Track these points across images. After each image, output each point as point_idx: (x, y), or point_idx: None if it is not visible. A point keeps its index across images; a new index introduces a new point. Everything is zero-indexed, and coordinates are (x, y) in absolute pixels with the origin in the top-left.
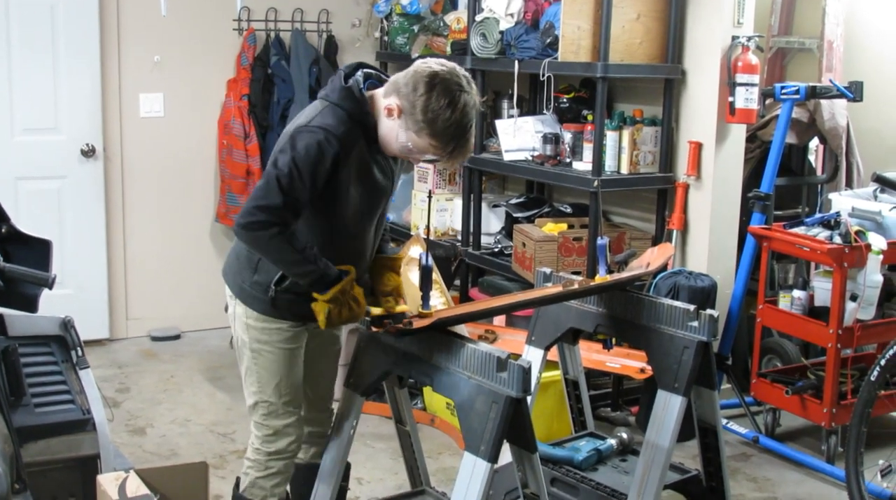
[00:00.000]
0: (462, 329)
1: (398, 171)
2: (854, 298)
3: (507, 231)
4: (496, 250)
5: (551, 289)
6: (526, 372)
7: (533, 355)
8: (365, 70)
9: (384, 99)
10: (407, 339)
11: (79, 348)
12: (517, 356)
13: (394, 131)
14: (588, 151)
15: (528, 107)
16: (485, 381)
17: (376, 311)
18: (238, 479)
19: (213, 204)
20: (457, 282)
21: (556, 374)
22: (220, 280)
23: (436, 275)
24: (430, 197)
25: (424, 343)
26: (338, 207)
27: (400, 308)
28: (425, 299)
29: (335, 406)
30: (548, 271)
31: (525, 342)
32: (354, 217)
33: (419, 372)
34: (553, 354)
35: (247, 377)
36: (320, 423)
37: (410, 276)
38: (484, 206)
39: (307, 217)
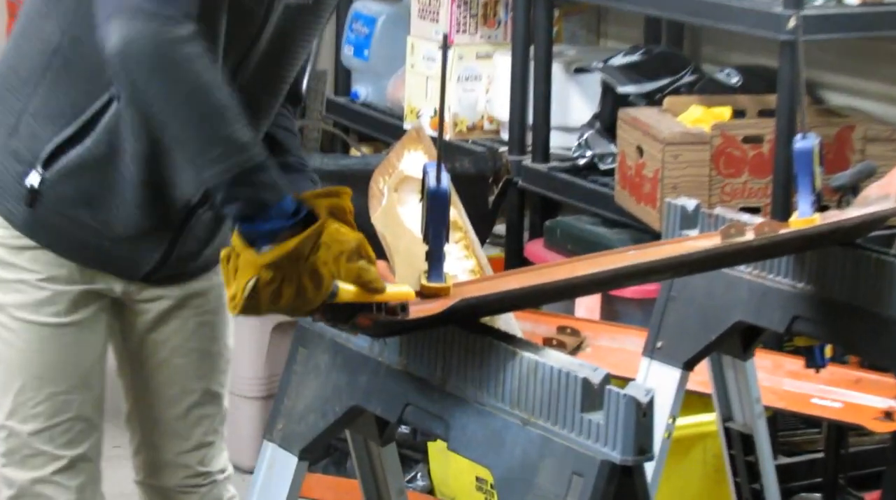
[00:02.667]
0: (510, 323)
1: None
2: None
3: (606, 123)
4: (581, 162)
5: (698, 242)
6: (644, 412)
7: (659, 379)
8: None
9: None
10: (395, 343)
11: None
12: (625, 382)
13: None
14: None
15: None
16: (557, 430)
17: (347, 291)
18: None
19: None
20: (499, 228)
21: (708, 420)
22: None
23: (456, 213)
24: (444, 48)
25: (431, 352)
26: None
27: (395, 292)
28: (433, 260)
29: (225, 473)
30: (691, 204)
31: (642, 353)
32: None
33: (421, 412)
34: (700, 377)
35: None
36: None
37: (402, 213)
38: (557, 70)
39: None
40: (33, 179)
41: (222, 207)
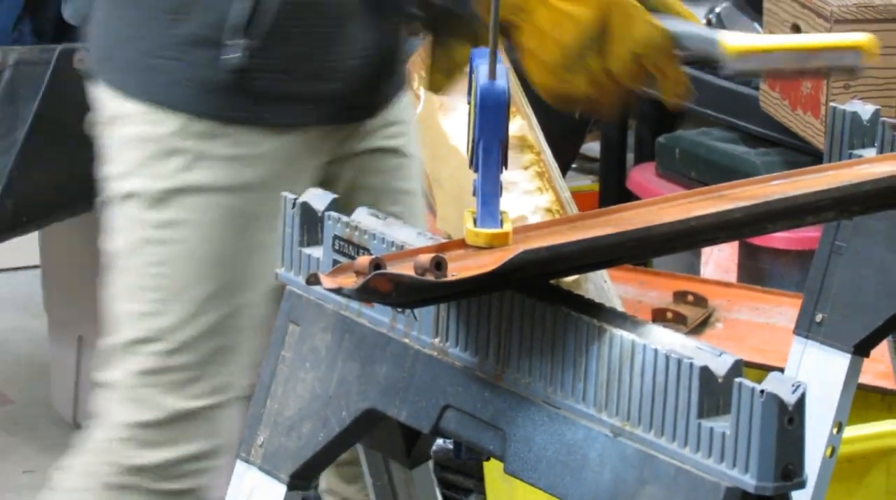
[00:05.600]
0: (604, 288)
1: None
2: None
3: None
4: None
5: (876, 166)
6: (789, 418)
7: (819, 369)
8: None
9: None
10: (428, 317)
11: None
12: (764, 371)
13: None
14: None
15: None
16: (664, 443)
17: None
18: None
19: None
20: (592, 146)
21: (891, 430)
22: None
23: (525, 125)
24: None
25: (481, 330)
26: None
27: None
28: (485, 194)
29: None
30: (867, 111)
31: (794, 331)
32: None
33: (466, 418)
34: (880, 366)
35: (125, 290)
36: None
37: (447, 126)
38: None
39: None
40: (233, 58)
41: None
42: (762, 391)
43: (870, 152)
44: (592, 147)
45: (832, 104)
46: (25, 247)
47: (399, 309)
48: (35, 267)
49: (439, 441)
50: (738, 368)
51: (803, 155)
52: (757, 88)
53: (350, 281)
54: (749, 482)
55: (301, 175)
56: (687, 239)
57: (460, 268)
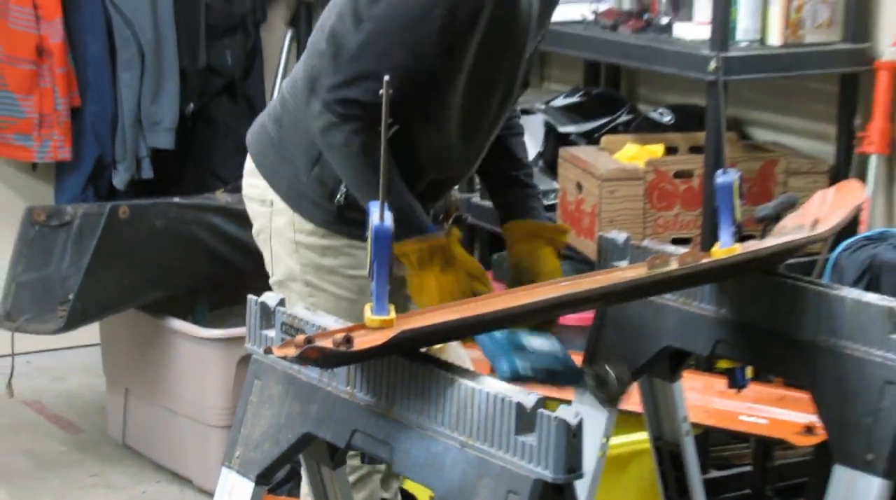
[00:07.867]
0: (458, 352)
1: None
2: None
3: (549, 161)
4: None
5: (629, 271)
6: (573, 433)
7: (593, 399)
8: None
9: None
10: (342, 373)
11: None
12: (556, 404)
13: None
14: (704, 1)
15: None
16: (494, 451)
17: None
18: None
19: None
20: None
21: (640, 439)
22: None
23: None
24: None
25: (376, 380)
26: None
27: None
28: (378, 294)
29: None
30: (621, 237)
31: None
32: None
33: (367, 437)
34: (633, 398)
35: None
36: None
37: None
38: None
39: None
40: (338, 199)
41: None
42: (556, 417)
43: (623, 263)
44: None
45: (600, 233)
46: (90, 331)
47: (324, 368)
48: (97, 344)
49: None
50: (541, 402)
51: (585, 265)
52: (552, 218)
53: (292, 351)
54: (548, 475)
55: None
56: (504, 321)
57: (362, 342)
